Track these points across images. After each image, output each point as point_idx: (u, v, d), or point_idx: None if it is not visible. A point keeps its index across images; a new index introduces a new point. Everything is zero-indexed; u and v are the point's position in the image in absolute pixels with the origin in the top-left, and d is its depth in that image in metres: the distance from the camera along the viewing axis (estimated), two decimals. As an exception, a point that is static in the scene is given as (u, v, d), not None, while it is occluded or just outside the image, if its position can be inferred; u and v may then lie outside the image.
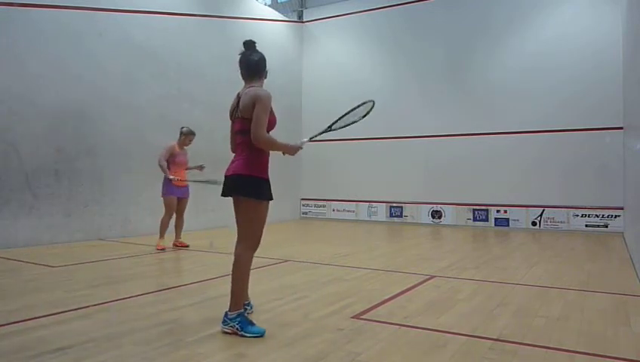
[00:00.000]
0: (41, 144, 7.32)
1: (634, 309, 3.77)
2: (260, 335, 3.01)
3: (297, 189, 13.11)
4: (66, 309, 3.61)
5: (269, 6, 12.66)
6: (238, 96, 3.43)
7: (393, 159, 11.97)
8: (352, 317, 3.43)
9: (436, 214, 11.48)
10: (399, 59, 12.14)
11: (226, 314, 3.10)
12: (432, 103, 11.60)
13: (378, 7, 12.34)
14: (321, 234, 9.66)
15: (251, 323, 3.07)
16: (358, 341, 2.92)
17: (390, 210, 12.05)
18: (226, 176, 3.27)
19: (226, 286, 4.47)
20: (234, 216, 3.25)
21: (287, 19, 12.90)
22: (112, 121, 8.32)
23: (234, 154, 3.34)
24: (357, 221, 12.28)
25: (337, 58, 12.96)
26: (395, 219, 11.95)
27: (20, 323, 3.25)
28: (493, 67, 10.98)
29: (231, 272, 3.16)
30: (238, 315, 3.06)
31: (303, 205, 13.21)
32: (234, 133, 3.35)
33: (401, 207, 11.92)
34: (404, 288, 4.44)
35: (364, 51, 12.63)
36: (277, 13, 12.63)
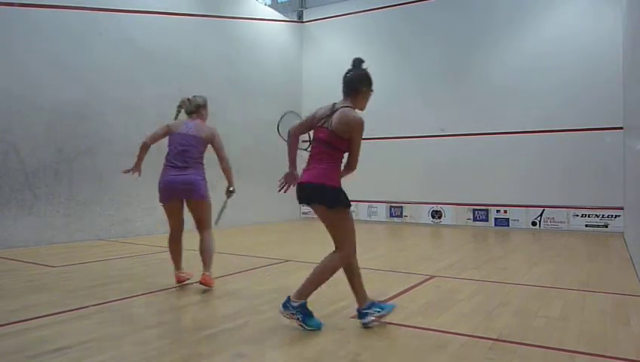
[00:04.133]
0: (41, 144, 7.32)
1: (634, 309, 3.77)
2: (319, 328, 3.12)
3: (297, 189, 13.09)
4: (66, 309, 3.61)
5: (269, 6, 12.66)
6: (334, 108, 3.42)
7: (393, 159, 11.97)
8: (352, 317, 3.43)
9: (436, 214, 11.48)
10: (399, 59, 12.15)
11: (289, 300, 3.13)
12: (432, 103, 11.60)
13: (378, 7, 12.35)
14: (321, 235, 9.62)
15: (312, 316, 3.15)
16: (358, 341, 2.92)
17: (390, 210, 12.05)
18: (306, 183, 3.31)
19: (225, 286, 4.48)
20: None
21: (287, 19, 12.91)
22: (111, 121, 8.32)
23: (308, 159, 3.41)
24: (357, 221, 12.23)
25: (337, 58, 12.93)
26: (395, 219, 11.95)
27: (20, 323, 3.25)
28: (494, 67, 10.98)
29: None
30: (301, 306, 3.10)
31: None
32: (317, 141, 3.39)
33: (401, 207, 11.92)
34: (404, 288, 4.44)
35: (364, 51, 12.50)
36: (277, 13, 12.63)
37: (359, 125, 3.34)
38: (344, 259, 3.25)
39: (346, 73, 3.51)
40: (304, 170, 3.40)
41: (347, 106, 3.39)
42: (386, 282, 4.77)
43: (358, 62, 3.55)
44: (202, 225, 4.43)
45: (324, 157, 3.31)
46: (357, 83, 3.48)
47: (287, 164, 3.49)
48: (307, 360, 2.60)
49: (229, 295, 4.20)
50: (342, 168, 3.40)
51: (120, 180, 8.41)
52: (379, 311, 3.26)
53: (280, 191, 3.50)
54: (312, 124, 3.47)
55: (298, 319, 3.08)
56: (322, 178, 3.25)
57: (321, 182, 3.23)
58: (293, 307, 3.09)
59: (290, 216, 12.74)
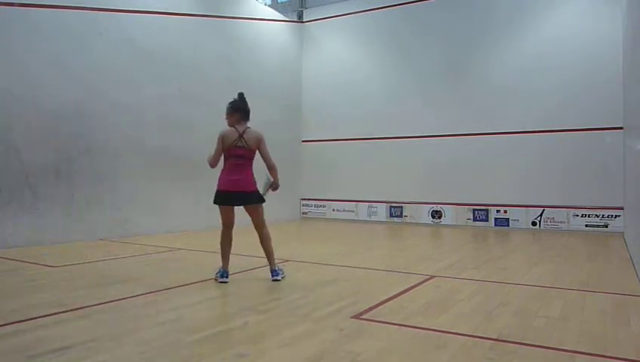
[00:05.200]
0: (41, 144, 7.32)
1: (634, 309, 3.77)
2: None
3: (297, 189, 13.10)
4: (66, 309, 3.61)
5: (269, 6, 12.66)
6: (238, 131, 4.57)
7: (393, 159, 11.97)
8: (352, 317, 3.43)
9: (436, 214, 11.48)
10: (399, 59, 12.15)
11: (274, 271, 4.70)
12: (431, 103, 11.60)
13: (378, 7, 12.35)
14: (321, 234, 9.66)
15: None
16: (358, 341, 2.92)
17: (390, 210, 12.05)
18: (231, 191, 4.57)
19: (225, 287, 4.49)
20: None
21: (287, 19, 12.90)
22: (112, 121, 8.32)
23: (227, 170, 4.59)
24: (357, 221, 12.28)
25: (337, 58, 12.96)
26: (395, 219, 11.95)
27: (20, 323, 3.25)
28: (494, 67, 10.98)
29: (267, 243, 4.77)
30: (278, 268, 4.79)
31: (303, 205, 13.21)
32: (237, 157, 4.56)
33: (401, 207, 11.91)
34: (404, 288, 4.44)
35: (364, 51, 12.63)
36: (277, 13, 12.63)
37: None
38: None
39: (242, 103, 4.65)
40: (227, 178, 4.58)
41: (250, 128, 4.65)
42: (386, 282, 4.77)
43: (243, 96, 4.69)
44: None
45: (247, 168, 4.62)
46: (249, 111, 4.67)
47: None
48: (307, 360, 2.60)
49: (229, 295, 4.20)
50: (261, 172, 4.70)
51: (120, 180, 8.42)
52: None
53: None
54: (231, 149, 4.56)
55: (284, 276, 4.74)
56: (253, 185, 4.63)
57: (253, 188, 4.64)
58: (279, 271, 4.73)
59: (290, 216, 12.74)
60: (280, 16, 12.68)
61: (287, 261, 5.92)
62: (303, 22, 13.44)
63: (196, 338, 2.97)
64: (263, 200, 4.69)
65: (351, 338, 2.96)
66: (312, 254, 6.56)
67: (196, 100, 9.81)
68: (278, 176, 4.77)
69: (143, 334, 3.06)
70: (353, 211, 12.51)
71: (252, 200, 4.62)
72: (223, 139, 4.55)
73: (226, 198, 4.59)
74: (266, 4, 12.58)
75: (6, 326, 3.19)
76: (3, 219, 6.82)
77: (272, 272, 4.72)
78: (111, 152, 8.27)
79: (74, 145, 7.77)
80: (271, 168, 4.68)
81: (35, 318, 3.38)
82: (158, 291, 4.30)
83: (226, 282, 4.60)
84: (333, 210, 12.77)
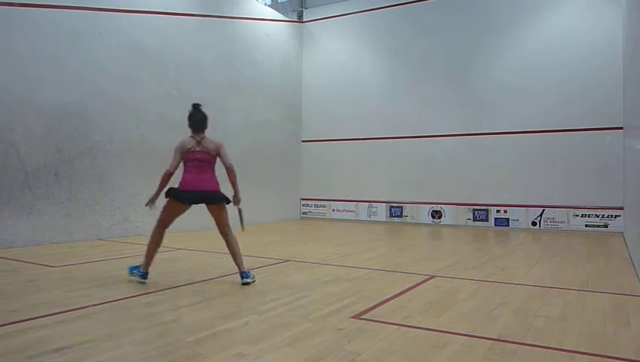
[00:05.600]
0: (41, 144, 7.32)
1: (634, 309, 3.77)
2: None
3: (297, 189, 13.11)
4: (66, 309, 3.61)
5: (269, 6, 12.66)
6: (195, 139, 4.69)
7: (393, 159, 11.98)
8: (352, 317, 3.43)
9: (436, 214, 11.48)
10: (399, 59, 12.15)
11: (245, 274, 4.54)
12: (431, 103, 11.60)
13: (378, 7, 12.35)
14: (321, 234, 9.66)
15: None
16: (358, 341, 2.92)
17: (390, 210, 12.06)
18: (195, 190, 4.56)
19: (225, 287, 4.48)
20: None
21: (287, 19, 12.91)
22: (111, 121, 8.32)
23: (188, 172, 4.62)
24: (357, 221, 12.28)
25: (337, 58, 12.96)
26: (395, 219, 11.95)
27: (20, 323, 3.25)
28: (493, 67, 10.98)
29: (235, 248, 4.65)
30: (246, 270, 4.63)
31: (303, 205, 13.21)
32: (196, 160, 4.61)
33: (401, 207, 11.92)
34: (404, 288, 4.44)
35: (364, 51, 12.63)
36: (277, 13, 12.63)
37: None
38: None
39: (197, 115, 4.84)
40: (189, 179, 4.61)
41: (205, 137, 4.77)
42: (386, 282, 4.77)
43: (197, 107, 4.91)
44: None
45: (210, 170, 4.68)
46: (206, 121, 4.83)
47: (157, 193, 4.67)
48: (307, 360, 2.60)
49: (229, 295, 4.20)
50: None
51: (120, 180, 8.42)
52: None
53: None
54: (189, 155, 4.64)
55: (254, 280, 4.59)
56: (217, 185, 4.67)
57: (217, 188, 4.67)
58: (248, 273, 4.57)
59: (290, 216, 12.74)
60: (280, 16, 12.68)
61: (287, 261, 5.92)
62: (303, 22, 13.44)
63: (196, 338, 2.97)
64: (228, 201, 4.67)
65: (351, 338, 2.96)
66: (312, 254, 6.56)
67: (196, 100, 9.73)
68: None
69: (143, 334, 3.06)
70: (353, 211, 12.51)
71: (217, 199, 4.63)
72: (180, 146, 4.65)
73: (189, 197, 4.56)
74: (266, 4, 12.58)
75: (6, 326, 3.19)
76: (3, 219, 6.82)
77: (241, 275, 4.58)
78: (111, 152, 8.27)
79: (74, 145, 7.77)
80: (229, 170, 4.64)
81: (35, 318, 3.38)
82: (158, 291, 4.30)
83: (144, 283, 4.55)
84: (333, 210, 12.78)
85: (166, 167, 4.61)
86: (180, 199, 4.58)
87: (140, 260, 4.83)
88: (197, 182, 4.59)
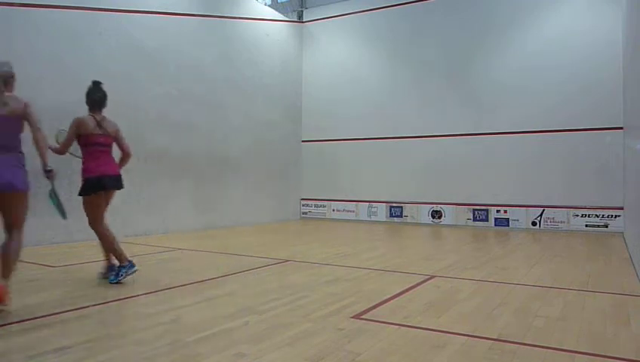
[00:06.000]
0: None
1: (634, 309, 3.77)
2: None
3: (297, 189, 13.10)
4: (66, 309, 3.61)
5: (269, 6, 12.66)
6: (96, 119, 4.66)
7: (393, 159, 11.98)
8: (352, 317, 3.43)
9: (436, 214, 11.48)
10: (399, 59, 12.15)
11: (120, 268, 4.51)
12: (431, 103, 11.60)
13: (378, 7, 12.35)
14: (321, 234, 9.66)
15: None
16: (358, 341, 2.92)
17: (390, 210, 12.05)
18: (111, 175, 4.61)
19: (225, 286, 4.49)
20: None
21: (287, 19, 12.91)
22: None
23: (94, 158, 4.62)
24: (357, 221, 12.28)
25: (337, 58, 12.96)
26: (395, 219, 11.95)
27: (20, 323, 3.25)
28: (493, 67, 10.98)
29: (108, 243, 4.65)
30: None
31: (303, 205, 13.21)
32: (99, 145, 4.61)
33: (401, 207, 11.92)
34: (404, 288, 4.44)
35: (364, 51, 12.63)
36: (277, 13, 12.64)
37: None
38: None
39: (97, 93, 4.82)
40: (99, 165, 4.60)
41: (104, 116, 4.75)
42: (386, 282, 4.77)
43: (97, 84, 4.86)
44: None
45: (109, 155, 4.66)
46: (106, 100, 4.82)
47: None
48: (307, 360, 2.60)
49: (229, 295, 4.20)
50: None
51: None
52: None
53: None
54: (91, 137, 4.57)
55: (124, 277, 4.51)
56: (118, 170, 4.66)
57: (119, 173, 4.68)
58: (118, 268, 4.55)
59: (291, 216, 12.74)
60: (280, 16, 12.68)
61: (287, 261, 5.92)
62: (302, 22, 13.45)
63: (196, 338, 2.97)
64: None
65: (351, 339, 2.96)
66: (312, 254, 6.56)
67: (196, 100, 9.81)
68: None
69: (143, 334, 3.06)
70: (353, 211, 12.51)
71: (121, 184, 4.75)
72: (78, 124, 4.51)
73: (103, 182, 4.55)
74: (266, 4, 12.58)
75: (6, 326, 3.19)
76: (3, 219, 6.81)
77: (109, 268, 4.65)
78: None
79: (74, 145, 7.74)
80: (127, 155, 4.73)
81: (36, 318, 3.38)
82: (158, 291, 4.30)
83: (138, 270, 4.66)
84: (333, 210, 12.77)
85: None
86: (102, 187, 4.56)
87: (139, 260, 4.82)
88: (106, 165, 4.60)
